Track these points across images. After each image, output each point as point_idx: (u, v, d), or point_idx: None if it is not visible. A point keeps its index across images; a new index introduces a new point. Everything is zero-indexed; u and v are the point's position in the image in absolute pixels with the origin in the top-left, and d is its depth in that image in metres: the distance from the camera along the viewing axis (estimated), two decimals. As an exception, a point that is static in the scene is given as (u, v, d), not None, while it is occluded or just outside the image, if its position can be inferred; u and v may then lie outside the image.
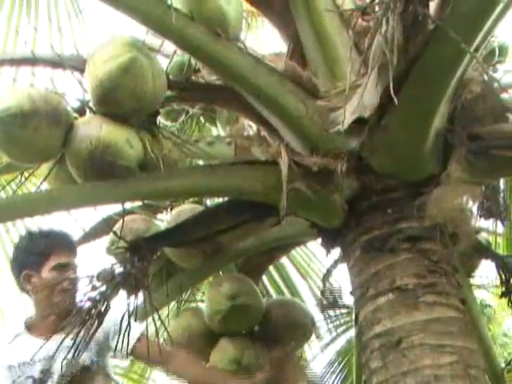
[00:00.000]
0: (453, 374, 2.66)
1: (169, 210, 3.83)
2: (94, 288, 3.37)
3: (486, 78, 3.14)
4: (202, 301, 4.64)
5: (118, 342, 3.26)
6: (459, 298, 2.88)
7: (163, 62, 3.28)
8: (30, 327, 3.48)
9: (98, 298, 3.35)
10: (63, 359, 3.30)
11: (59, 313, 3.34)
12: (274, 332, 3.89)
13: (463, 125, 3.03)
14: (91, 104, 3.05)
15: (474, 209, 3.33)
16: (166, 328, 3.79)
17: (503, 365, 4.48)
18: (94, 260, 3.80)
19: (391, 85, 2.55)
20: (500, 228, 4.38)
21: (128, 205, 3.61)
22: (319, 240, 3.39)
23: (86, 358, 3.40)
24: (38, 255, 3.41)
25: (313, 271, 5.38)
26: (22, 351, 3.38)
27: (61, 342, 3.05)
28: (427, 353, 2.69)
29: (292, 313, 3.97)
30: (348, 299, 4.80)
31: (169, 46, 3.43)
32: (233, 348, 3.77)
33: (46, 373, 3.37)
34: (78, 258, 3.60)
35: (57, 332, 3.28)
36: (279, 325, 3.89)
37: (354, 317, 3.17)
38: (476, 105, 3.08)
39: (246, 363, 3.73)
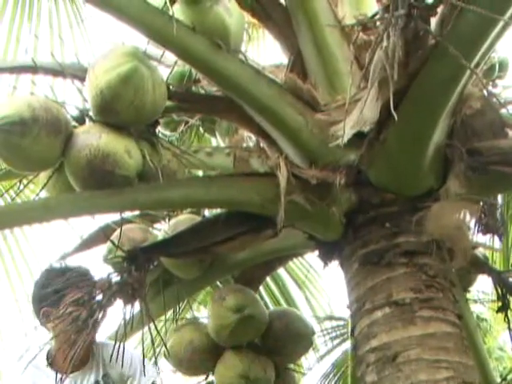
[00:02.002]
0: (448, 389, 2.66)
1: (166, 220, 3.82)
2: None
3: (485, 93, 3.14)
4: (199, 311, 4.66)
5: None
6: (456, 313, 2.88)
7: (164, 73, 3.29)
8: (52, 360, 3.50)
9: (94, 306, 3.35)
10: None
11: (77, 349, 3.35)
12: (277, 343, 3.88)
13: (462, 140, 3.03)
14: (91, 113, 3.06)
15: (472, 224, 3.34)
16: (161, 338, 3.80)
17: (499, 379, 4.47)
18: (91, 269, 3.79)
19: (391, 99, 2.56)
20: (497, 243, 4.37)
21: (126, 214, 3.61)
22: (317, 252, 3.39)
23: None
24: (55, 293, 3.45)
25: (310, 282, 5.39)
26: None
27: None
28: (423, 368, 2.69)
29: (294, 324, 3.96)
30: (345, 311, 4.82)
31: (169, 57, 3.43)
32: (239, 362, 3.75)
33: None
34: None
35: (76, 368, 3.39)
36: (282, 336, 3.88)
37: (350, 330, 3.17)
38: (475, 120, 3.08)
39: (254, 377, 3.73)
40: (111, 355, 3.21)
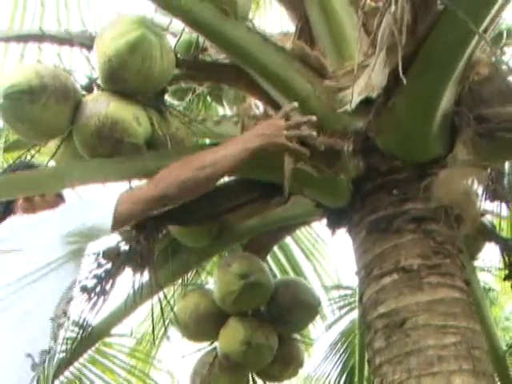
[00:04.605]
0: (456, 354, 2.67)
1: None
2: (99, 265, 3.40)
3: (493, 59, 3.13)
4: (207, 281, 4.68)
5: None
6: (463, 279, 2.89)
7: (171, 41, 3.28)
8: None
9: (103, 275, 3.38)
10: None
11: None
12: (282, 312, 3.91)
13: (470, 107, 3.03)
14: (99, 81, 3.06)
15: (480, 191, 3.34)
16: (171, 306, 3.83)
17: (505, 348, 4.50)
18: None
19: (400, 64, 2.55)
20: (504, 211, 4.38)
21: (135, 183, 3.62)
22: (324, 220, 3.40)
23: None
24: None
25: (317, 252, 5.41)
26: None
27: None
28: (431, 333, 2.70)
29: (299, 293, 3.99)
30: (352, 280, 4.84)
31: (177, 24, 3.42)
32: (243, 329, 3.79)
33: None
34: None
35: None
36: (287, 304, 3.91)
37: (358, 297, 3.18)
38: (483, 87, 3.07)
39: (256, 344, 3.76)
40: None
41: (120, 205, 2.63)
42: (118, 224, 2.65)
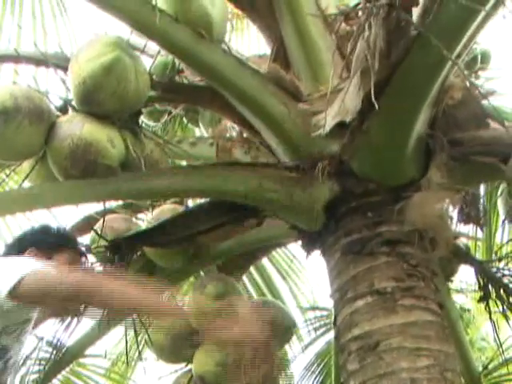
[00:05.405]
0: (429, 377, 2.67)
1: (150, 209, 3.82)
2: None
3: (467, 84, 3.15)
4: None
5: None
6: (437, 302, 2.89)
7: (147, 62, 3.29)
8: None
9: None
10: None
11: None
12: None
13: (444, 130, 3.04)
14: (74, 102, 3.05)
15: (454, 214, 3.35)
16: (145, 328, 3.80)
17: (481, 369, 4.51)
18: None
19: (372, 90, 2.57)
20: (479, 233, 4.40)
21: (109, 204, 3.61)
22: (300, 242, 3.40)
23: None
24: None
25: (294, 273, 5.40)
26: None
27: None
28: (404, 356, 2.70)
29: (275, 314, 3.98)
30: (328, 302, 4.84)
31: (153, 46, 3.43)
32: (218, 350, 3.77)
33: None
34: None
35: None
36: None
37: (333, 319, 3.18)
38: (457, 110, 3.09)
39: None
40: None
41: (29, 275, 2.28)
42: (17, 292, 2.27)
